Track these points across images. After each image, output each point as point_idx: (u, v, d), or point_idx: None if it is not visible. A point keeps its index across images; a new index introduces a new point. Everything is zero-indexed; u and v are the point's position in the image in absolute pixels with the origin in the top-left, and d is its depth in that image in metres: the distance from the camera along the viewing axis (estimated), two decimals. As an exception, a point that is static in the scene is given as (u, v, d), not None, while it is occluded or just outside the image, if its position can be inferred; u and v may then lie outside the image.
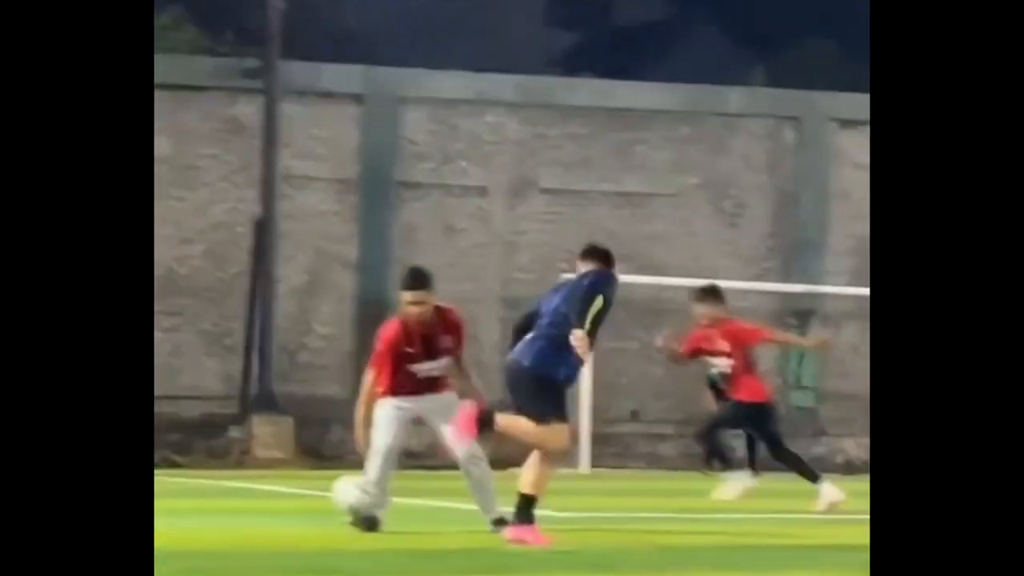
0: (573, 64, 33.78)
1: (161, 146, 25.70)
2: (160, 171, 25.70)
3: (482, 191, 27.32)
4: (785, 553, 12.14)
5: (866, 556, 11.40)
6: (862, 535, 13.28)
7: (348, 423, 25.86)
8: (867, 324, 27.89)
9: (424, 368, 12.76)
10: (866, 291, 27.30)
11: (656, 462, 27.03)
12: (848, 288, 27.39)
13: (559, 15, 44.54)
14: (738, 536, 13.51)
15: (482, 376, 28.45)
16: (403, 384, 12.68)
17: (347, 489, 12.36)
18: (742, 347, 17.60)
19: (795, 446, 28.31)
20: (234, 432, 24.15)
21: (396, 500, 12.74)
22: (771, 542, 13.07)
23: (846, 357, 27.75)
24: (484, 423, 12.15)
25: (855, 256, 27.89)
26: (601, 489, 20.47)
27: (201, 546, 11.46)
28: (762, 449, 19.56)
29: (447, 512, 15.46)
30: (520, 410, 12.40)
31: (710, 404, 25.18)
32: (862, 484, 23.69)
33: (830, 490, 16.31)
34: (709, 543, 12.73)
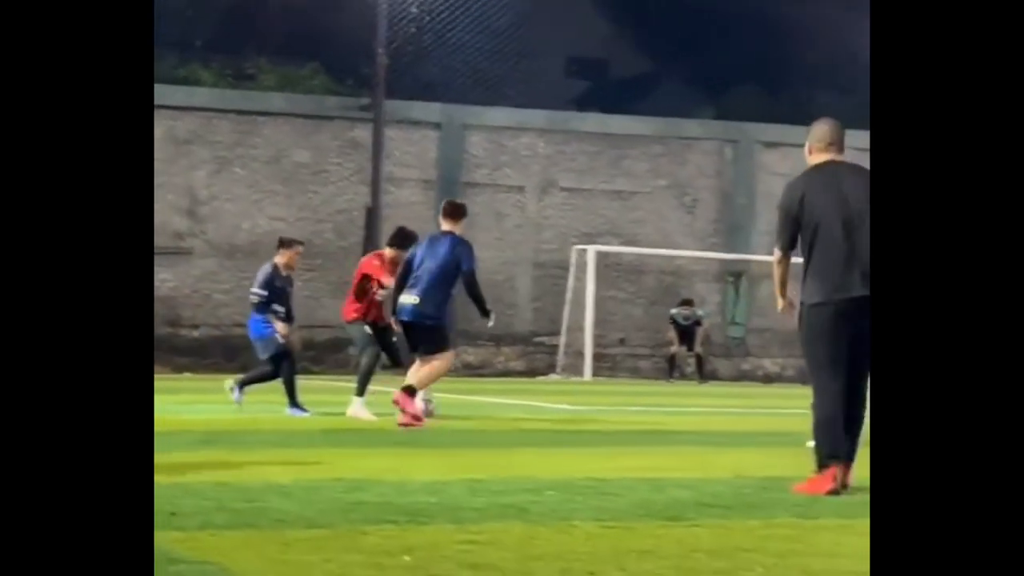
0: (584, 103, 33.71)
1: (303, 156, 25.86)
2: (301, 174, 25.91)
3: (520, 189, 27.38)
4: (732, 437, 12.23)
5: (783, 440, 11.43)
6: (798, 424, 13.37)
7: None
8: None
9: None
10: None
11: (636, 374, 27.13)
12: (767, 257, 27.46)
13: (574, 69, 44.69)
14: (696, 423, 13.61)
15: (517, 314, 28.44)
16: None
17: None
18: None
19: (730, 364, 28.60)
20: (351, 350, 24.36)
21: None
22: (722, 428, 13.17)
23: (765, 303, 27.85)
24: None
25: (771, 236, 27.95)
26: (600, 391, 20.63)
27: (331, 424, 11.65)
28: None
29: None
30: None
31: (672, 336, 25.53)
32: (780, 389, 23.81)
33: None
34: (678, 427, 12.84)
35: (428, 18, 29.55)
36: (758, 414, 15.21)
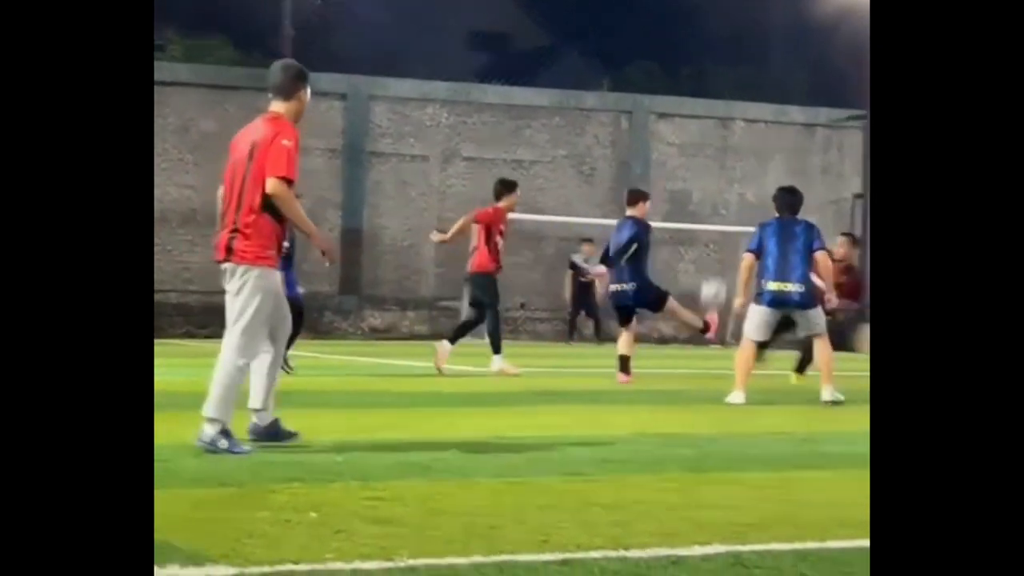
0: (485, 75, 33.64)
1: (210, 126, 25.53)
2: (209, 144, 25.59)
3: (424, 159, 27.28)
4: (628, 396, 12.31)
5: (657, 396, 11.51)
6: (690, 384, 13.47)
7: (333, 310, 25.91)
8: (674, 247, 28.23)
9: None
10: (673, 224, 27.65)
11: (536, 337, 27.21)
12: (663, 223, 27.62)
13: (477, 42, 44.59)
14: (594, 383, 13.69)
15: (422, 279, 28.39)
16: None
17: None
18: None
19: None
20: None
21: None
22: (618, 388, 13.26)
23: (661, 268, 28.03)
24: None
25: (666, 203, 28.12)
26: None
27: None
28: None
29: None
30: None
31: (567, 296, 25.62)
32: (674, 351, 24.01)
33: None
34: (577, 387, 12.91)
35: (334, -9, 29.26)
36: (653, 374, 15.33)
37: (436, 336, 26.74)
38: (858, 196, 28.13)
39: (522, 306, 27.59)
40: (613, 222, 27.68)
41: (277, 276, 7.04)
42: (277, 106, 7.04)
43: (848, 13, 28.74)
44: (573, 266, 25.47)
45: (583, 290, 25.17)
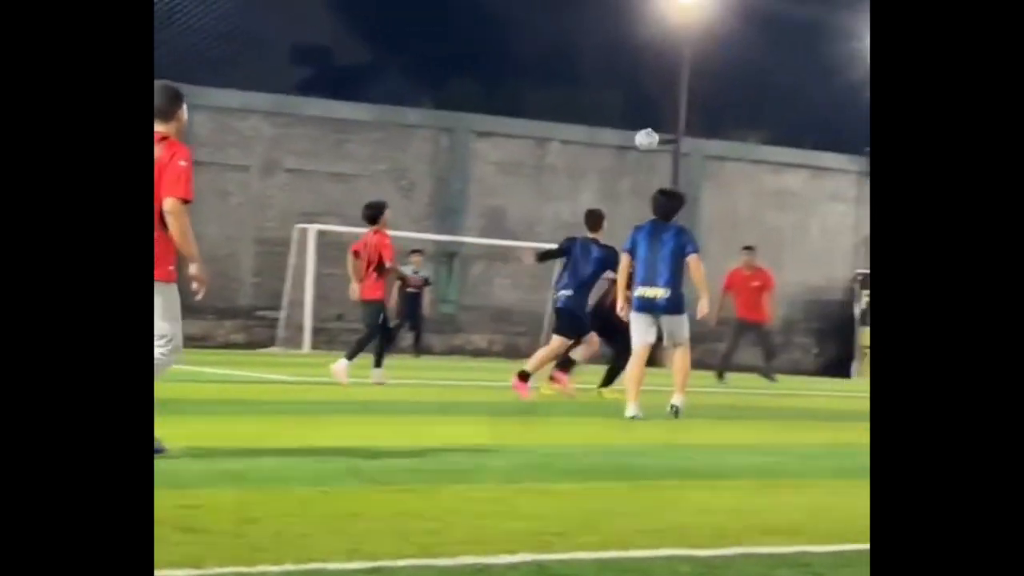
0: (308, 88, 33.45)
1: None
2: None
3: (245, 169, 26.96)
4: (443, 407, 12.33)
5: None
6: (502, 396, 13.54)
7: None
8: (490, 262, 28.44)
9: None
10: (490, 240, 27.88)
11: (354, 347, 27.11)
12: (478, 239, 27.85)
13: (299, 56, 44.39)
14: (410, 394, 13.68)
15: (239, 288, 28.06)
16: None
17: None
18: None
19: (442, 339, 28.89)
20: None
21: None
22: (434, 399, 13.27)
23: (476, 282, 28.25)
24: None
25: (483, 219, 28.34)
26: (318, 363, 20.53)
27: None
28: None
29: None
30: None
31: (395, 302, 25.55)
32: (488, 363, 24.15)
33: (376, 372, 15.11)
34: (393, 398, 12.87)
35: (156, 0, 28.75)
36: (467, 386, 15.41)
37: (252, 345, 26.50)
38: (668, 217, 28.72)
39: (339, 317, 27.44)
40: (431, 236, 27.91)
41: (174, 289, 7.03)
42: (160, 128, 7.08)
43: (662, 41, 29.37)
44: (401, 277, 25.45)
45: (410, 301, 25.12)
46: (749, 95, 36.89)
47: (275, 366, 16.00)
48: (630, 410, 11.30)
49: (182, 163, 6.92)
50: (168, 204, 6.87)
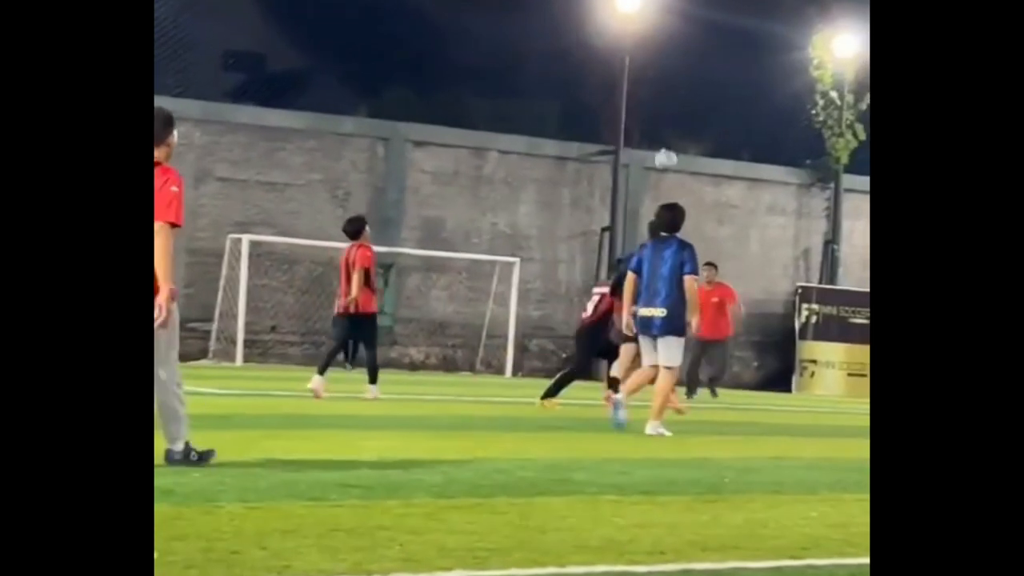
0: (239, 95, 33.26)
1: None
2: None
3: (175, 177, 26.80)
4: (377, 421, 12.29)
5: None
6: (439, 409, 13.48)
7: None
8: (426, 274, 28.37)
9: None
10: (426, 252, 27.83)
11: (286, 360, 26.94)
12: (414, 250, 27.79)
13: (231, 62, 44.14)
14: (343, 407, 13.60)
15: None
16: None
17: None
18: None
19: (378, 352, 28.79)
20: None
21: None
22: (367, 413, 13.23)
23: (412, 294, 28.17)
24: None
25: (419, 230, 28.30)
26: (250, 376, 20.42)
27: None
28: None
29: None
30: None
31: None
32: (424, 376, 24.10)
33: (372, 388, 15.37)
34: (325, 411, 12.82)
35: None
36: (403, 400, 15.37)
37: (184, 358, 26.11)
38: (605, 229, 28.80)
39: (273, 329, 27.28)
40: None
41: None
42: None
43: (602, 51, 29.48)
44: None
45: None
46: (689, 106, 37.10)
47: (207, 379, 15.83)
48: (652, 428, 11.73)
49: (173, 188, 7.23)
50: (156, 226, 7.13)
